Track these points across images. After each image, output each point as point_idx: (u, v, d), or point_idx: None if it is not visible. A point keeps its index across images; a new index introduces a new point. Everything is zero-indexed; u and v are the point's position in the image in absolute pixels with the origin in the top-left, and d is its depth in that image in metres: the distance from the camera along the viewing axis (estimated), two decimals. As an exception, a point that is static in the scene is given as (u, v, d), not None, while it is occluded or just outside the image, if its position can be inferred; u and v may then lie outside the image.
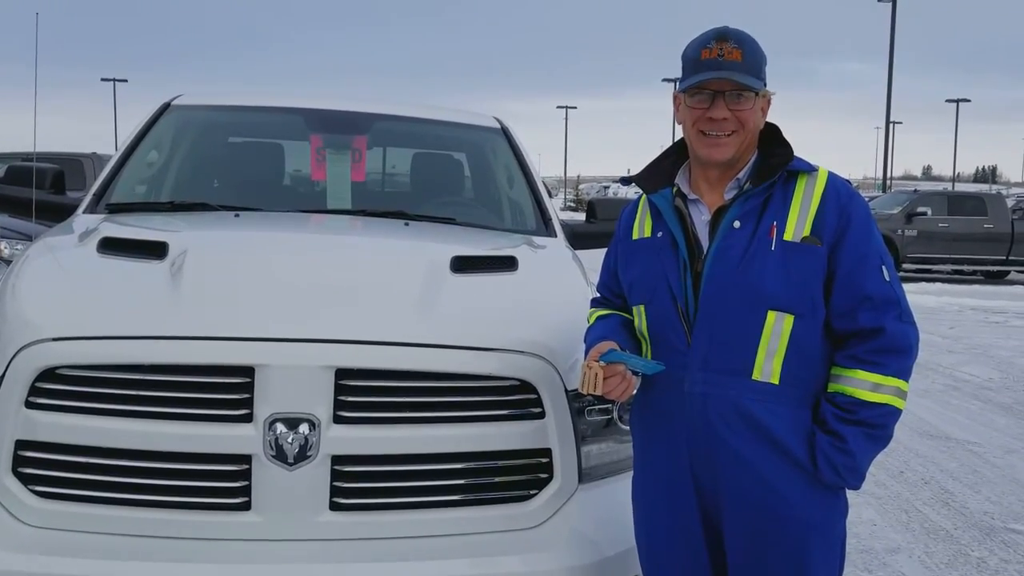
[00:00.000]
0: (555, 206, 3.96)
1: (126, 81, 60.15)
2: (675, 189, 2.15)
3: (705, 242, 2.07)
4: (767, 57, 2.09)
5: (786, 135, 2.12)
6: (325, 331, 2.22)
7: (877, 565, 4.10)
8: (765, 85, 2.08)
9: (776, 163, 2.06)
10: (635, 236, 2.21)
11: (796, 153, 2.08)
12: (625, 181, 2.29)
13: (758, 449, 2.00)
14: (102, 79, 59.21)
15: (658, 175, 2.19)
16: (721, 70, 2.01)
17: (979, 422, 6.91)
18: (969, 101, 62.51)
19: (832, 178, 2.07)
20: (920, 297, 14.80)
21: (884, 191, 32.72)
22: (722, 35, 2.04)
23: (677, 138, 2.25)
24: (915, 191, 21.83)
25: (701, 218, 2.10)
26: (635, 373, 2.08)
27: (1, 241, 8.17)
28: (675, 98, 2.15)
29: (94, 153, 12.92)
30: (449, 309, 2.41)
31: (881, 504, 4.94)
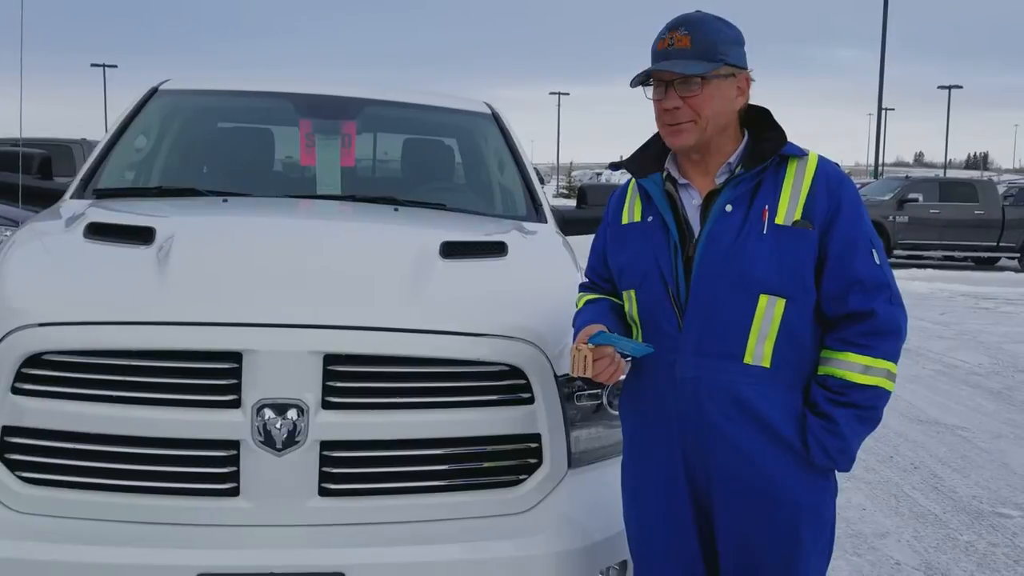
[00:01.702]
0: (547, 193, 3.94)
1: (116, 67, 59.72)
2: (665, 174, 2.15)
3: (696, 226, 2.07)
4: (742, 38, 2.07)
5: (780, 121, 2.11)
6: (313, 316, 2.21)
7: (866, 549, 4.12)
8: (731, 64, 2.03)
9: (768, 147, 2.05)
10: (624, 221, 2.21)
11: (788, 137, 2.08)
12: (614, 167, 2.28)
13: (750, 432, 2.00)
14: (92, 64, 58.84)
15: (647, 160, 2.19)
16: (666, 60, 2.01)
17: (968, 407, 6.94)
18: (961, 88, 62.40)
19: (822, 162, 2.07)
20: (911, 283, 14.84)
21: (876, 178, 32.75)
22: (674, 24, 2.04)
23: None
24: (906, 178, 21.87)
25: (692, 202, 2.10)
26: (624, 356, 2.08)
27: (-11, 227, 8.11)
28: None
29: (83, 139, 12.87)
30: (438, 294, 2.41)
31: (871, 488, 4.96)
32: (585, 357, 2.00)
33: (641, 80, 2.06)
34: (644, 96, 2.14)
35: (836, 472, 2.10)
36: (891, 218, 19.05)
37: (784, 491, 2.02)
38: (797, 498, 2.03)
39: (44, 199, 3.54)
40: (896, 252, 19.09)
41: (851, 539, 4.22)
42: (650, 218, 2.13)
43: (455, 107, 4.29)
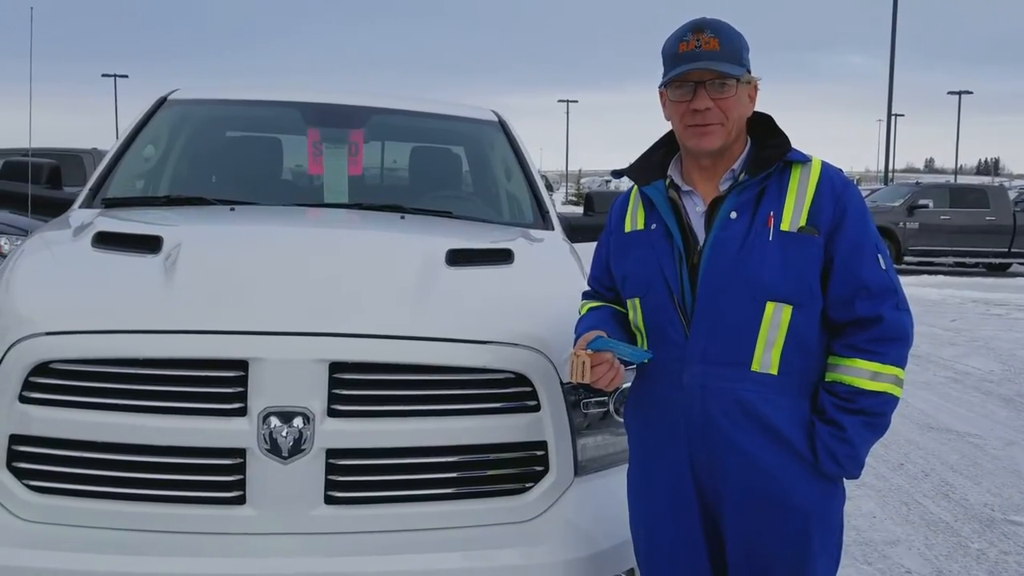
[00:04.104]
0: (556, 200, 3.94)
1: (127, 77, 60.05)
2: (668, 181, 2.15)
3: (700, 233, 2.06)
4: (749, 46, 2.08)
5: (790, 128, 2.11)
6: (319, 324, 2.21)
7: (877, 557, 4.09)
8: (748, 71, 2.07)
9: (772, 154, 2.05)
10: (628, 229, 2.20)
11: (798, 143, 2.08)
12: (617, 174, 2.28)
13: (758, 440, 2.00)
14: (103, 75, 59.18)
15: (650, 167, 2.18)
16: (699, 60, 2.01)
17: (980, 414, 6.90)
18: (971, 93, 61.97)
19: (826, 167, 2.06)
20: (922, 290, 14.78)
21: (886, 184, 32.64)
22: (698, 27, 2.04)
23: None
24: (917, 183, 21.77)
25: (696, 209, 2.10)
26: (624, 362, 2.08)
27: (1, 236, 8.17)
28: (660, 95, 2.14)
29: (94, 148, 12.95)
30: (444, 302, 2.41)
31: (881, 496, 4.93)
32: (584, 363, 2.00)
33: (673, 79, 2.04)
34: (661, 99, 2.13)
35: (844, 479, 2.09)
36: (901, 224, 18.96)
37: (793, 498, 2.01)
38: (806, 505, 2.02)
39: (53, 208, 3.56)
40: (906, 259, 19.01)
41: (862, 547, 4.19)
42: (654, 226, 2.13)
43: (462, 115, 4.30)
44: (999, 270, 20.17)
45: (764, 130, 2.12)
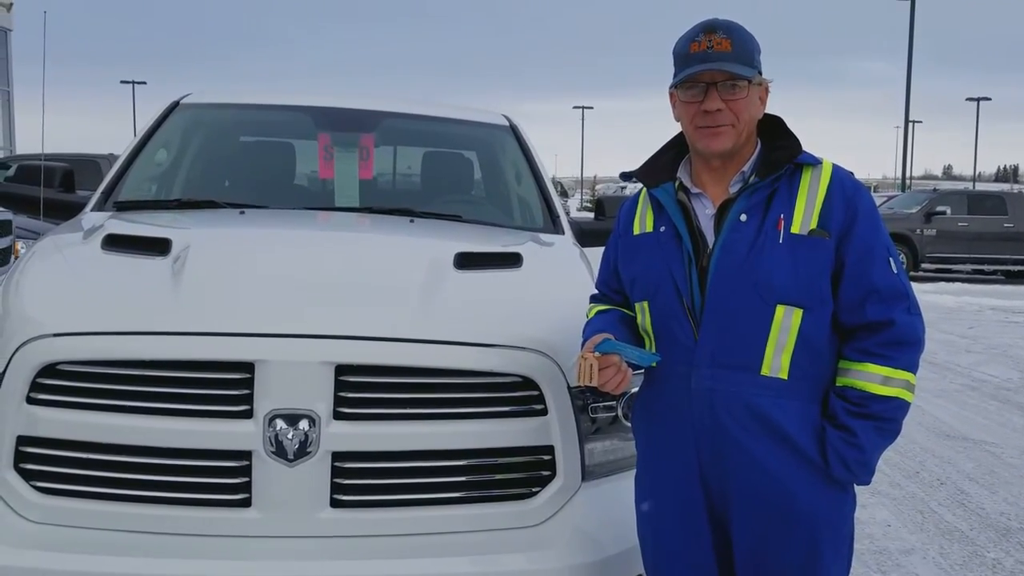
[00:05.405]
0: (571, 207, 3.93)
1: (145, 83, 60.44)
2: (677, 183, 2.13)
3: (710, 236, 2.05)
4: (771, 51, 2.07)
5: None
6: (325, 327, 2.21)
7: (891, 566, 4.04)
8: (760, 73, 2.05)
9: (782, 156, 2.04)
10: (636, 231, 2.19)
11: (816, 150, 2.06)
12: (625, 176, 2.27)
13: (767, 445, 1.98)
14: (121, 81, 59.57)
15: (659, 169, 2.17)
16: (711, 61, 1.99)
17: (997, 422, 6.83)
18: (990, 100, 61.68)
19: (837, 170, 2.04)
20: (939, 297, 14.66)
21: (903, 190, 32.44)
22: (710, 27, 2.03)
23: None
24: (934, 190, 21.63)
25: (705, 212, 2.08)
26: (632, 366, 2.06)
27: (18, 241, 8.23)
28: (671, 95, 2.13)
29: (111, 154, 13.03)
30: (451, 305, 2.40)
31: (896, 505, 4.88)
32: (591, 365, 1.98)
33: (684, 79, 2.03)
34: (671, 100, 2.12)
35: (856, 485, 2.06)
36: (919, 231, 18.84)
37: (803, 504, 1.99)
38: (815, 511, 2.00)
39: (66, 212, 3.58)
40: (924, 266, 18.87)
41: (876, 556, 4.14)
42: (662, 228, 2.11)
43: (473, 119, 4.29)
44: (1018, 278, 19.99)
45: (774, 132, 2.10)
